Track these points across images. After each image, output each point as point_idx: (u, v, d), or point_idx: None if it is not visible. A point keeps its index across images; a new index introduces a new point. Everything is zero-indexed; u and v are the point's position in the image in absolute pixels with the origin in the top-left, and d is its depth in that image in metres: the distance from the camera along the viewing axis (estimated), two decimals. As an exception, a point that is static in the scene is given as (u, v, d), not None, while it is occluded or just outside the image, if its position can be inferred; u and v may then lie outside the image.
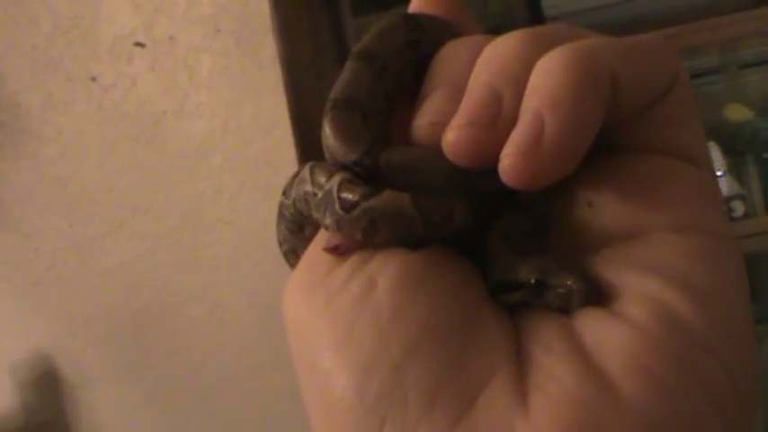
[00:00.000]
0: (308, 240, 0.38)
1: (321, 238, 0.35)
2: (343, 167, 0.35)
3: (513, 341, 0.31)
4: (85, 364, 1.54)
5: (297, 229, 0.40)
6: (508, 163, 0.30)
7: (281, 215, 0.40)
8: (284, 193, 0.39)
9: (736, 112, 1.84)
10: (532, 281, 0.31)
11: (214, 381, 1.50)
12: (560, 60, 0.31)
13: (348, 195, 0.33)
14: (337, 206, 0.34)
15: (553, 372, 0.28)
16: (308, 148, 1.39)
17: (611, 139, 0.33)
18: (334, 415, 0.30)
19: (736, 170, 1.89)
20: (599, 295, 0.30)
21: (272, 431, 1.49)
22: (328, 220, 0.34)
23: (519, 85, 0.32)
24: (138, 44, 1.45)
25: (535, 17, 1.88)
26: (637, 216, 0.32)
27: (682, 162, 0.33)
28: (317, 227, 0.37)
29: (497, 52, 0.33)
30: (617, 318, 0.29)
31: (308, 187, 0.36)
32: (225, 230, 1.46)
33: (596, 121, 0.31)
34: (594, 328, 0.29)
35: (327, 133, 0.35)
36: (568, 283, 0.30)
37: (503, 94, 0.32)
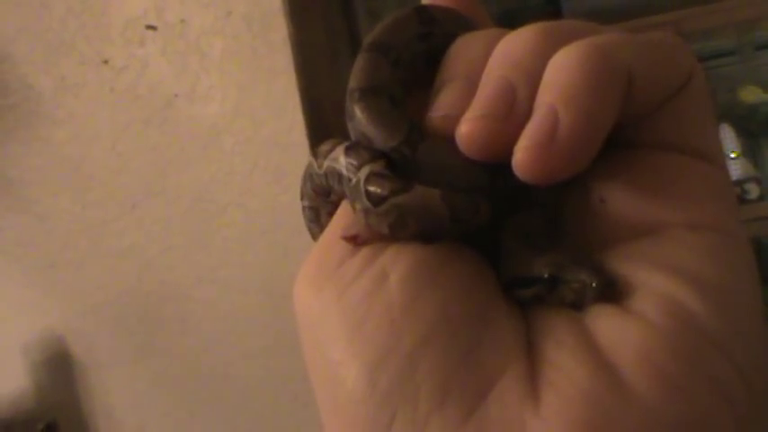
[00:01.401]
0: (331, 204, 0.39)
1: (333, 229, 0.35)
2: (375, 155, 0.35)
3: (525, 337, 0.31)
4: (97, 345, 1.55)
5: (322, 193, 0.40)
6: (522, 157, 0.30)
7: (309, 176, 0.40)
8: (315, 158, 0.38)
9: (751, 94, 1.83)
10: (546, 275, 0.31)
11: (224, 362, 1.51)
12: (576, 55, 0.30)
13: (377, 189, 0.33)
14: (365, 198, 0.34)
15: (565, 367, 0.28)
16: (319, 131, 1.39)
17: (624, 136, 0.33)
18: (344, 407, 0.30)
19: (750, 152, 1.88)
20: (613, 291, 0.30)
21: (282, 413, 1.50)
22: (358, 207, 0.34)
23: (534, 78, 0.32)
24: (150, 27, 1.45)
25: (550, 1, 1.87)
26: (650, 213, 0.32)
27: (695, 159, 0.33)
28: (341, 197, 0.37)
29: (513, 45, 0.33)
30: (630, 314, 0.29)
31: (342, 170, 0.36)
32: (236, 213, 1.46)
33: (611, 117, 0.30)
34: (607, 324, 0.29)
35: (363, 120, 0.35)
36: (583, 277, 0.30)
37: (517, 88, 0.32)
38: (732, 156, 1.81)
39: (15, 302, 1.55)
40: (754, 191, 1.80)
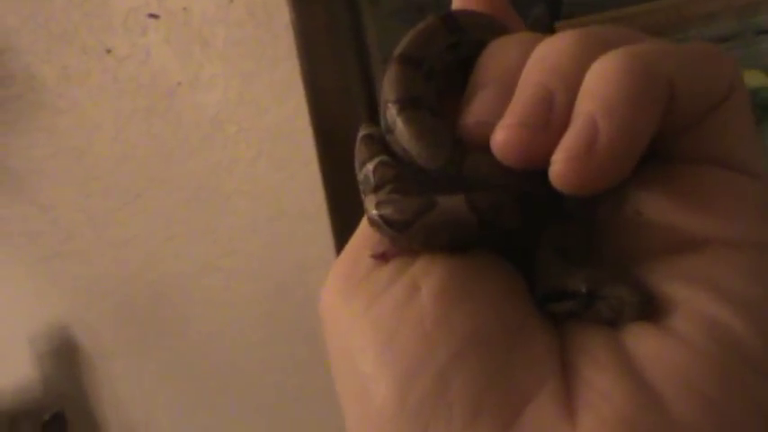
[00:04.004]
0: None
1: (359, 237, 0.35)
2: (382, 180, 0.34)
3: (559, 353, 0.30)
4: (103, 335, 1.54)
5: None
6: (559, 168, 0.29)
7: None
8: (365, 145, 0.38)
9: (753, 79, 1.82)
10: (584, 290, 0.30)
11: (231, 350, 1.51)
12: (617, 64, 0.30)
13: (398, 216, 0.33)
14: (385, 227, 0.33)
15: (601, 387, 0.28)
16: (323, 117, 1.39)
17: (665, 148, 0.32)
18: (373, 421, 0.29)
19: (752, 138, 1.88)
20: (652, 309, 0.29)
21: (289, 401, 1.50)
22: (382, 232, 0.34)
23: (572, 86, 0.31)
24: (153, 16, 1.45)
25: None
26: (689, 227, 0.31)
27: (737, 173, 0.32)
28: None
29: (551, 51, 0.32)
30: (670, 335, 0.28)
31: (372, 183, 0.35)
32: (240, 201, 1.46)
33: (651, 128, 0.30)
34: (645, 343, 0.28)
35: (406, 136, 0.35)
36: (622, 294, 0.29)
37: (555, 95, 0.31)
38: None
39: (20, 293, 1.55)
40: (756, 176, 1.80)
